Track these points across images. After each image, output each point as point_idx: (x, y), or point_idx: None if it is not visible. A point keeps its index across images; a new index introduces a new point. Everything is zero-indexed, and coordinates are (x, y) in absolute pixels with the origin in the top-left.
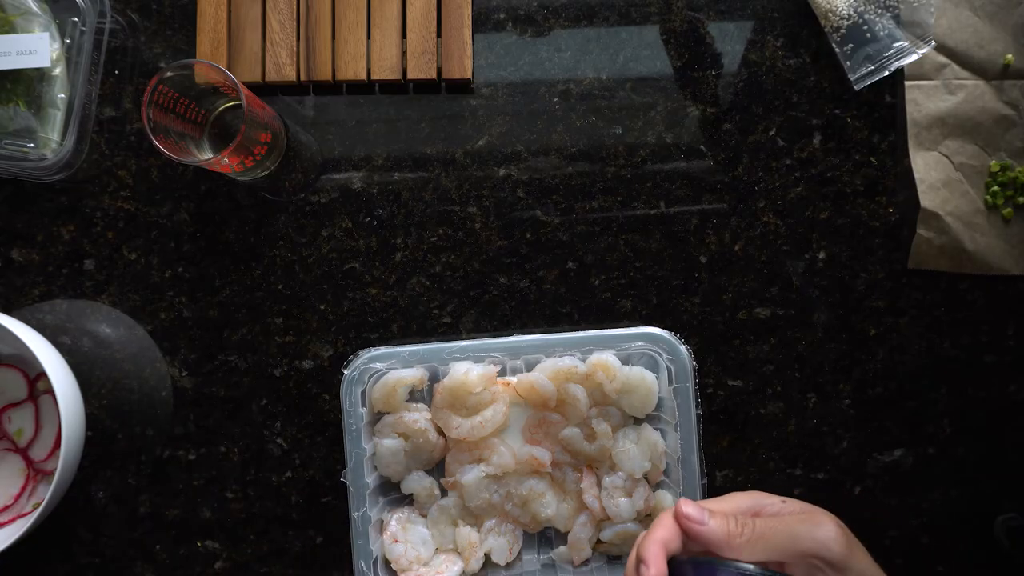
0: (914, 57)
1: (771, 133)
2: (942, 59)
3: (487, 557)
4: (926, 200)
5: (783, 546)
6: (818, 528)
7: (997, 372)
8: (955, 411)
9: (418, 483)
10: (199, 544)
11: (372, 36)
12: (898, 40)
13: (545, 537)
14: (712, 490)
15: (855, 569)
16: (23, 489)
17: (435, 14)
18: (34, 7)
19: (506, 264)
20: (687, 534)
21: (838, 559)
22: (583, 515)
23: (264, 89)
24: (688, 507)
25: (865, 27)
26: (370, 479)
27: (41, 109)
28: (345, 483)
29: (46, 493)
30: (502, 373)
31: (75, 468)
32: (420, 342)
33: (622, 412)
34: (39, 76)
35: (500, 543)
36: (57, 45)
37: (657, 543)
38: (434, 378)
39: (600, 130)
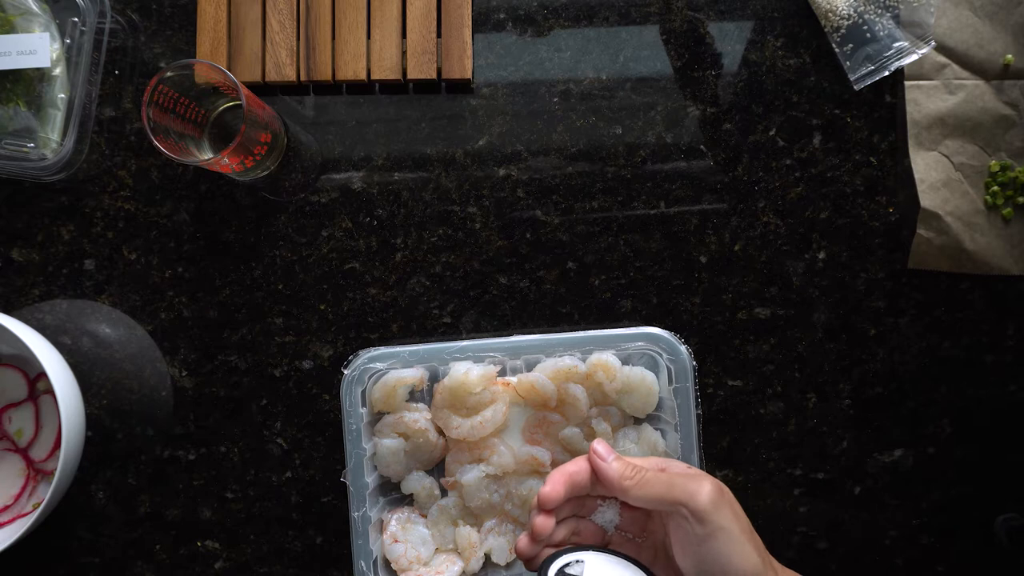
0: (914, 57)
1: (771, 133)
2: (942, 59)
3: (487, 557)
4: (926, 200)
5: (660, 494)
6: (692, 482)
7: (997, 372)
8: (955, 411)
9: (418, 483)
10: (199, 544)
11: (372, 36)
12: (898, 40)
13: None
14: None
15: (716, 523)
16: (23, 489)
17: (435, 14)
18: (34, 7)
19: (506, 264)
20: (592, 468)
21: (701, 510)
22: None
23: (264, 89)
24: (600, 445)
25: (865, 27)
26: (370, 479)
27: (41, 109)
28: (345, 483)
29: (46, 493)
30: (502, 373)
31: (75, 468)
32: (420, 342)
33: (622, 412)
34: (39, 76)
35: (500, 543)
36: (57, 45)
37: (563, 472)
38: (434, 378)
39: (600, 130)
